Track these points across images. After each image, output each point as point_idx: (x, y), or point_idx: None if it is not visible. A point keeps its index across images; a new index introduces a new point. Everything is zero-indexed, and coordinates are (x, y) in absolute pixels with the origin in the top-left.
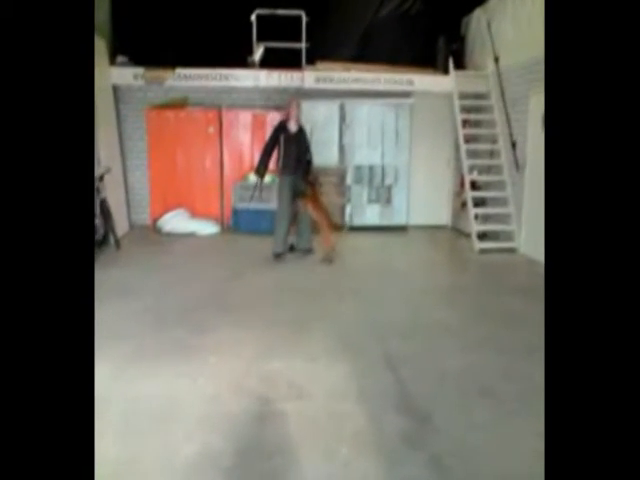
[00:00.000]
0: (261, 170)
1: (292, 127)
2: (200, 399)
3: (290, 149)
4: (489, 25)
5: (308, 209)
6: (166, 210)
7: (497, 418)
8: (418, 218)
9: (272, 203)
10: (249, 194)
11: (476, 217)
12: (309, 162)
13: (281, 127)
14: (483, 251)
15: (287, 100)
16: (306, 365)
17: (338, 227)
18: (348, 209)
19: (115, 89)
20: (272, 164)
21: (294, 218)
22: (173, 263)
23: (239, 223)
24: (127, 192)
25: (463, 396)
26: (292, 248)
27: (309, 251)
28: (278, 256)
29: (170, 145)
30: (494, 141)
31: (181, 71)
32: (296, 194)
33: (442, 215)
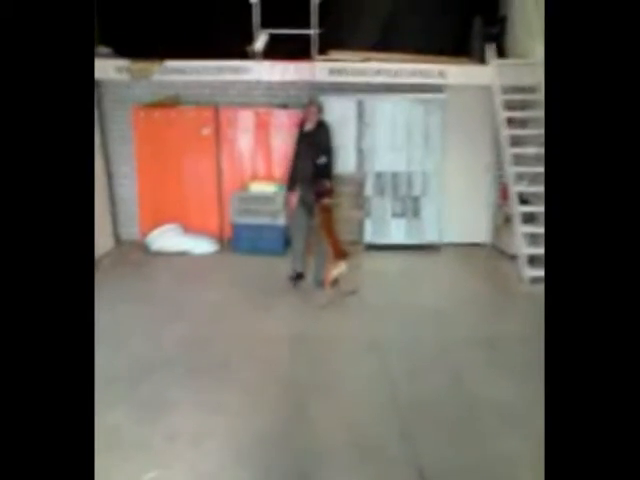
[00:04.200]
0: (289, 186)
1: (308, 125)
2: None
3: (303, 152)
4: (537, 1)
5: (320, 235)
6: (157, 224)
7: None
8: (452, 235)
9: (278, 218)
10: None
11: (525, 237)
12: (326, 166)
13: (299, 129)
14: (535, 280)
15: (307, 102)
16: None
17: (346, 254)
18: (367, 224)
19: (97, 84)
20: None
21: (310, 235)
22: (148, 294)
23: (239, 241)
24: (113, 203)
25: None
26: (301, 276)
27: (321, 283)
28: (297, 277)
29: (160, 149)
30: (542, 144)
31: (171, 63)
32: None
33: (480, 231)
